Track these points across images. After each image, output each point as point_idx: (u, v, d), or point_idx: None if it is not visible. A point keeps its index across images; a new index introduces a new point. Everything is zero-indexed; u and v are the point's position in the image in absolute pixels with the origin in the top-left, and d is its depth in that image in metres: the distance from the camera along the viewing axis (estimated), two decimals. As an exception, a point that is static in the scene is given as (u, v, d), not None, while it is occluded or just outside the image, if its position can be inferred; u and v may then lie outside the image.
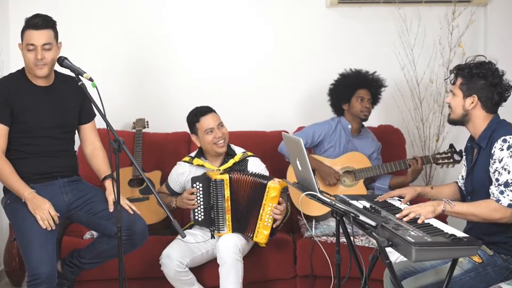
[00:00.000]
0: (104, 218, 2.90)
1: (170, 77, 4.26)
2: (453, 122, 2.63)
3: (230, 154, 3.39)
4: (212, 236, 3.18)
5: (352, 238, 2.45)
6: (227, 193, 3.14)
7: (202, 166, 3.33)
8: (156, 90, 4.26)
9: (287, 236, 3.58)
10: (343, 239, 2.60)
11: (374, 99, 3.84)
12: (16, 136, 2.87)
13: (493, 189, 2.43)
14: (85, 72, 2.73)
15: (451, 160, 3.61)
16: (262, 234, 3.12)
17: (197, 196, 3.18)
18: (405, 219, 2.36)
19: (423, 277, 2.51)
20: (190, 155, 3.44)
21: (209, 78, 4.27)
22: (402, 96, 4.28)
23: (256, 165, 3.36)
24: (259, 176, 3.19)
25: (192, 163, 3.36)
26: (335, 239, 3.05)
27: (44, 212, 2.72)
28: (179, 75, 4.27)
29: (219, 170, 3.27)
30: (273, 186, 3.09)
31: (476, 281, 2.44)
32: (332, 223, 3.48)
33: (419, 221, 2.34)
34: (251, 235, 3.15)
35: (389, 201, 2.73)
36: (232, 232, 3.15)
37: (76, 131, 3.11)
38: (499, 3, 4.24)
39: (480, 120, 2.54)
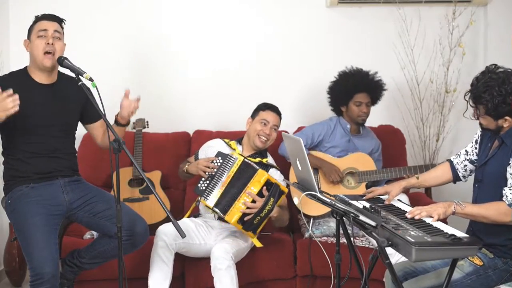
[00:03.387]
0: (104, 218, 2.91)
1: (170, 77, 4.26)
2: (486, 130, 2.58)
3: (261, 153, 3.45)
4: (197, 202, 3.23)
5: (352, 238, 2.45)
6: (232, 170, 3.18)
7: (234, 150, 3.41)
8: (156, 90, 4.25)
9: (287, 236, 3.58)
10: (343, 239, 2.60)
11: (373, 101, 3.82)
12: (17, 134, 2.87)
13: (506, 191, 2.39)
14: (85, 72, 2.72)
15: None
16: (233, 215, 3.12)
17: (213, 168, 3.24)
18: (416, 217, 2.35)
19: (424, 279, 2.50)
20: (232, 140, 3.51)
21: (209, 78, 4.27)
22: (402, 96, 4.29)
23: (275, 175, 3.38)
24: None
25: (228, 144, 3.44)
26: (335, 239, 3.06)
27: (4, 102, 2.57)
28: (179, 75, 4.27)
29: (242, 155, 3.31)
30: (262, 174, 3.15)
31: (477, 284, 2.43)
32: (332, 223, 3.48)
33: (432, 220, 2.33)
34: (224, 214, 3.14)
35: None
36: (214, 206, 3.15)
37: (86, 130, 3.14)
38: (499, 3, 4.24)
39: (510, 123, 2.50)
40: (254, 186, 3.14)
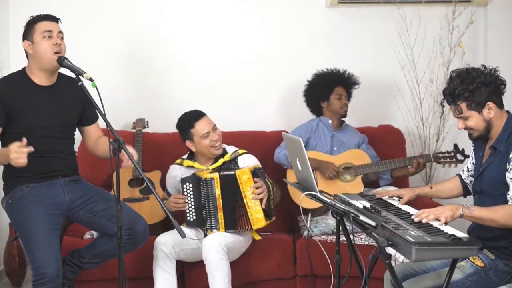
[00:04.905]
0: (105, 218, 2.91)
1: (170, 77, 4.26)
2: (477, 138, 2.57)
3: (222, 154, 3.40)
4: (205, 235, 3.19)
5: (352, 236, 2.44)
6: (217, 191, 3.16)
7: (192, 167, 3.35)
8: (156, 90, 4.26)
9: (287, 236, 3.58)
10: (342, 238, 2.60)
11: (349, 96, 3.94)
12: (16, 136, 2.86)
13: (511, 195, 2.38)
14: (85, 72, 2.72)
15: (454, 160, 3.62)
16: (258, 220, 3.15)
17: (188, 196, 3.21)
18: (424, 220, 2.32)
19: (424, 279, 2.48)
20: (182, 157, 3.46)
21: (209, 78, 4.27)
22: (402, 96, 4.29)
23: (247, 161, 3.36)
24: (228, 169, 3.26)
25: (182, 165, 3.39)
26: (334, 237, 3.06)
27: (16, 153, 2.62)
28: (179, 75, 4.27)
29: (208, 169, 3.29)
30: (241, 171, 3.16)
31: (478, 285, 2.42)
32: (330, 221, 3.49)
33: (440, 223, 2.30)
34: (249, 227, 3.16)
35: (388, 201, 2.73)
36: (225, 229, 3.16)
37: (79, 132, 3.13)
38: (499, 3, 4.24)
39: (498, 120, 2.48)
40: (248, 186, 3.14)
